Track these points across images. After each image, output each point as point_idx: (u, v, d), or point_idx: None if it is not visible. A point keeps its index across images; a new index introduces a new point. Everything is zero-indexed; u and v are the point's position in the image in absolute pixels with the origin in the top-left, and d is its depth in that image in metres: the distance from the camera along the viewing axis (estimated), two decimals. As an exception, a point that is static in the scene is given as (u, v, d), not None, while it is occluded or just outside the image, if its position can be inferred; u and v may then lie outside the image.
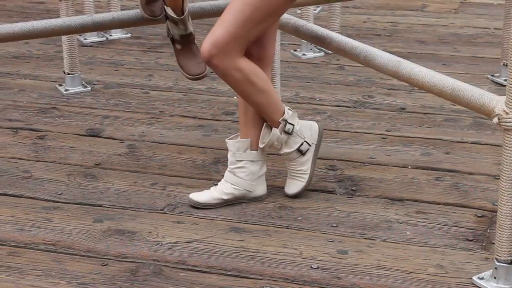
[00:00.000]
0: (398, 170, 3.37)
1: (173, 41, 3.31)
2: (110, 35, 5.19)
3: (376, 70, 2.96)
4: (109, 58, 4.85)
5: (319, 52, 4.87)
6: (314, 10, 5.35)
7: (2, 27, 3.22)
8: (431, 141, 3.66)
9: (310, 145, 3.10)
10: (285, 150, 3.08)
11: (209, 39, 2.84)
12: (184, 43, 3.28)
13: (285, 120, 3.03)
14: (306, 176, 3.12)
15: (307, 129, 3.11)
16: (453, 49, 4.94)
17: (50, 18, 5.51)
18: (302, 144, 3.08)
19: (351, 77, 4.49)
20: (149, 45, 5.08)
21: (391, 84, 4.30)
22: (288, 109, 3.05)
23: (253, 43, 2.97)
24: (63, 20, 3.35)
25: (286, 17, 3.41)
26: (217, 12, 3.44)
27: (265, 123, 3.06)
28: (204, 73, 3.27)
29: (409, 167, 3.40)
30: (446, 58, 4.78)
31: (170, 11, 3.21)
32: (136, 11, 3.42)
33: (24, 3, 5.97)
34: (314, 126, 3.14)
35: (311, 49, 4.88)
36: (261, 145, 3.05)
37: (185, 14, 3.21)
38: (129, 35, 5.23)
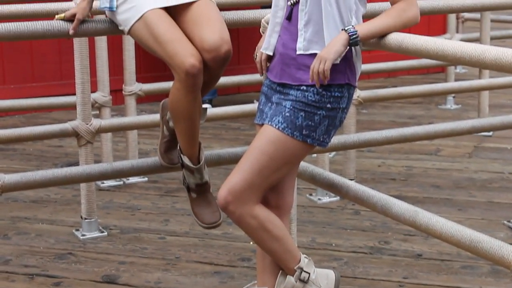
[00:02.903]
0: (417, 320, 3.34)
1: (189, 189, 3.33)
2: (127, 179, 5.24)
3: (394, 219, 2.97)
4: (125, 202, 4.88)
5: (334, 196, 4.89)
6: (330, 154, 5.41)
7: (23, 175, 3.26)
8: (449, 289, 3.64)
9: None
10: (301, 298, 3.05)
11: (226, 186, 2.87)
12: (199, 192, 3.32)
13: (301, 268, 3.01)
14: (324, 326, 3.08)
15: (323, 278, 3.09)
16: (469, 194, 4.96)
17: (68, 160, 5.61)
18: None
19: (367, 222, 4.50)
20: (165, 189, 5.12)
21: (407, 230, 4.29)
22: (305, 257, 3.04)
23: (271, 191, 3.00)
24: (83, 168, 3.40)
25: (303, 165, 3.45)
26: (234, 159, 3.48)
27: (281, 271, 3.04)
28: (219, 222, 3.28)
29: (428, 317, 3.37)
30: (462, 203, 4.79)
31: (186, 160, 3.26)
32: (154, 159, 3.47)
33: (43, 147, 6.06)
34: (331, 274, 3.12)
35: (326, 194, 4.90)
36: None
37: (201, 163, 3.26)
38: (146, 179, 5.28)
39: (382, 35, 2.81)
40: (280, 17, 2.92)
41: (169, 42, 3.08)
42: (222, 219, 3.27)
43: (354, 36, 2.75)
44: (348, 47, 2.76)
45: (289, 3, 2.88)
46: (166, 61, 3.12)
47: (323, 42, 2.80)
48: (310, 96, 2.81)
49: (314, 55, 2.79)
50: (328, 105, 2.82)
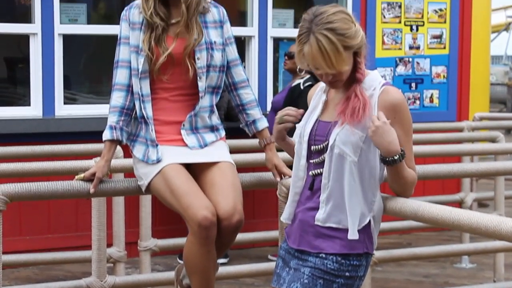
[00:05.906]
0: None
1: None
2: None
3: None
4: None
5: None
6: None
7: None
8: None
9: None
10: None
11: None
12: None
13: None
14: None
15: None
16: None
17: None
18: None
19: None
20: None
21: None
22: None
23: None
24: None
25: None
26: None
27: None
28: None
29: None
30: None
31: None
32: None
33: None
34: None
35: None
36: None
37: None
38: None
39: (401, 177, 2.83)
40: (300, 187, 2.96)
41: (184, 195, 3.16)
42: None
43: (400, 156, 2.76)
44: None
45: (310, 173, 2.92)
46: (181, 214, 3.18)
47: (342, 215, 2.83)
48: (329, 264, 2.83)
49: (331, 227, 2.84)
50: (347, 274, 2.83)
